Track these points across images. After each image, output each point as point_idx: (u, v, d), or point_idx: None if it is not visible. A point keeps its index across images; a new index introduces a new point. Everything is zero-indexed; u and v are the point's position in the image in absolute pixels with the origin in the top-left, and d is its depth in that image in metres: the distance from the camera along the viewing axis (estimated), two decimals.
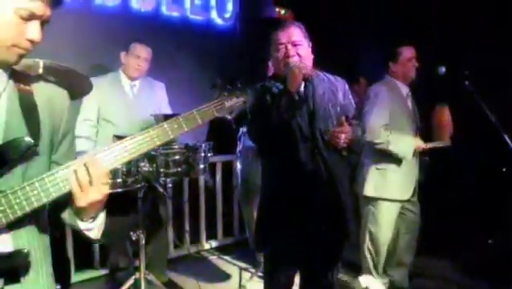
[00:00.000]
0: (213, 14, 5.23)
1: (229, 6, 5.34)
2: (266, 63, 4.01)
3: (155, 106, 3.73)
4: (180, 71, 4.26)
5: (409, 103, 3.58)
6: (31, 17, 1.25)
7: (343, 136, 2.39)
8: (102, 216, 1.39)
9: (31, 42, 1.27)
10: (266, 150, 2.56)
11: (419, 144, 3.45)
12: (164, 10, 4.78)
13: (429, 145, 3.47)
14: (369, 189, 3.54)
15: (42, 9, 1.26)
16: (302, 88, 2.46)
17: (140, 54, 3.64)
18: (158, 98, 3.82)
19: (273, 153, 2.51)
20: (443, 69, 3.33)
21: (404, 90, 3.57)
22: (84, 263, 4.11)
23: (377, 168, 3.52)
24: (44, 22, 1.30)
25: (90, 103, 3.58)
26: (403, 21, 5.18)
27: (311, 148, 2.43)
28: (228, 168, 5.00)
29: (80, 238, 1.42)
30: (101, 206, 1.35)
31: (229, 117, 1.55)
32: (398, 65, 3.53)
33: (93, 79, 3.69)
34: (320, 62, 2.67)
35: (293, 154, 2.42)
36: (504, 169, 3.14)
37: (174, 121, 1.38)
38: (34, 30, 1.26)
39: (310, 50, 2.54)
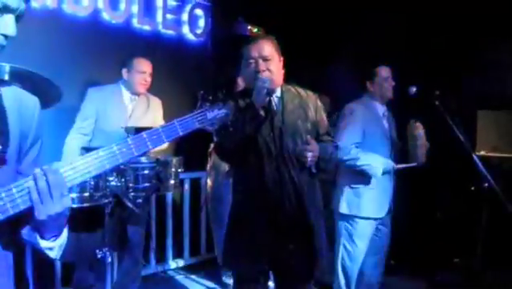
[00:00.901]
0: (185, 30, 5.19)
1: (201, 23, 5.32)
2: (234, 79, 4.00)
3: (150, 121, 3.70)
4: (153, 85, 4.18)
5: (385, 122, 3.61)
6: (6, 10, 1.19)
7: (309, 154, 2.37)
8: (64, 234, 1.30)
9: (5, 36, 1.21)
10: (233, 167, 2.55)
11: (389, 164, 3.47)
12: (135, 22, 4.70)
13: (400, 166, 3.50)
14: (343, 207, 3.54)
15: (16, 2, 1.20)
16: (273, 103, 2.43)
17: (145, 70, 3.66)
18: (154, 113, 3.80)
19: (239, 170, 2.49)
20: (413, 89, 3.38)
21: (381, 109, 3.61)
22: (45, 283, 3.92)
23: (351, 187, 3.52)
24: (19, 17, 1.24)
25: (88, 110, 3.58)
26: (374, 40, 5.27)
27: (278, 166, 2.40)
28: (196, 186, 4.93)
29: (41, 255, 1.33)
30: (63, 222, 1.26)
31: (211, 129, 1.52)
32: (375, 84, 3.57)
33: (94, 88, 3.66)
34: (291, 76, 2.66)
35: (259, 171, 2.39)
36: (472, 188, 3.18)
37: (153, 132, 1.33)
38: (8, 24, 1.20)
39: (281, 64, 2.52)
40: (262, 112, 2.36)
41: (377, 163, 3.41)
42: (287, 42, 2.65)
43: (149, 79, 3.69)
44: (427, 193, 4.97)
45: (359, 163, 3.38)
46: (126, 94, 3.70)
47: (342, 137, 3.38)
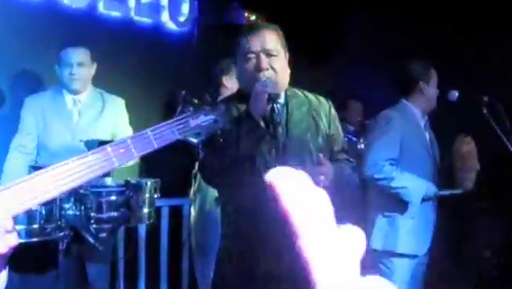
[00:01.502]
0: (165, 17, 5.22)
1: (185, 8, 5.34)
2: (218, 79, 4.02)
3: (108, 128, 3.70)
4: (121, 85, 4.19)
5: (427, 136, 3.65)
6: None
7: (321, 177, 2.36)
8: (3, 277, 1.28)
9: None
10: (223, 194, 2.54)
11: (431, 189, 3.48)
12: (101, 7, 4.73)
13: (444, 192, 3.51)
14: (377, 241, 3.55)
15: None
16: (276, 111, 2.44)
17: (71, 60, 3.63)
18: (114, 118, 3.79)
19: (230, 198, 2.47)
20: (455, 94, 3.39)
21: (422, 120, 3.65)
22: None
23: (384, 215, 3.53)
24: None
25: (27, 124, 3.61)
26: (405, 33, 5.30)
27: None
28: (177, 215, 4.92)
29: None
30: (3, 263, 1.25)
31: (195, 141, 1.52)
32: (424, 89, 3.58)
33: (30, 98, 3.67)
34: (300, 78, 2.67)
35: (255, 200, 2.34)
36: None
37: (120, 144, 1.33)
38: None
39: (287, 62, 2.54)
40: (261, 124, 2.36)
41: (416, 186, 3.42)
42: (290, 34, 2.66)
43: (79, 72, 3.64)
44: (471, 225, 4.96)
45: (393, 184, 3.39)
46: (68, 97, 3.69)
47: (374, 151, 3.42)
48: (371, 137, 3.54)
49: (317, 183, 2.35)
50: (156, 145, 1.38)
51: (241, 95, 2.49)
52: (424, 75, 3.59)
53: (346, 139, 2.84)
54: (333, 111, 2.64)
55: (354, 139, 5.12)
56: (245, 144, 2.30)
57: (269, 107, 2.40)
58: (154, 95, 4.85)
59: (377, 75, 4.71)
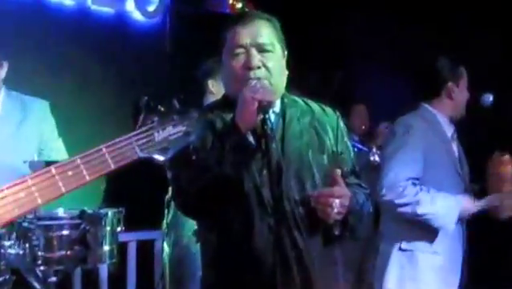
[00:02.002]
0: (129, 6, 5.19)
1: None
2: (203, 82, 3.97)
3: (32, 138, 3.66)
4: (74, 88, 4.16)
5: (455, 148, 3.61)
6: None
7: (336, 201, 2.28)
8: None
9: None
10: (203, 223, 2.51)
11: (467, 205, 3.44)
12: None
13: (480, 204, 3.44)
14: (391, 282, 3.51)
15: None
16: (269, 123, 2.33)
17: None
18: (37, 125, 3.73)
19: (212, 231, 2.42)
20: (489, 98, 3.37)
21: (449, 130, 3.61)
22: None
23: (401, 249, 3.48)
24: None
25: None
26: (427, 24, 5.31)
27: (276, 226, 2.31)
28: (146, 251, 4.89)
29: None
30: None
31: (162, 158, 1.48)
32: (454, 91, 3.54)
33: None
34: (299, 80, 2.65)
35: (244, 234, 2.31)
36: None
37: (69, 164, 1.30)
38: None
39: (284, 61, 2.49)
40: (250, 139, 2.31)
41: (449, 207, 3.38)
42: (288, 29, 2.61)
43: None
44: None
45: (420, 210, 3.33)
46: None
47: (392, 169, 3.35)
48: (387, 151, 3.48)
49: (326, 214, 2.30)
50: (112, 166, 1.35)
51: (227, 103, 2.41)
52: (454, 75, 3.55)
53: (355, 150, 2.78)
54: (341, 124, 2.56)
55: (364, 148, 5.24)
56: (230, 163, 2.24)
57: (260, 117, 2.33)
58: (113, 102, 4.78)
59: (385, 73, 4.69)
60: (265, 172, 2.33)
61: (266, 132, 2.35)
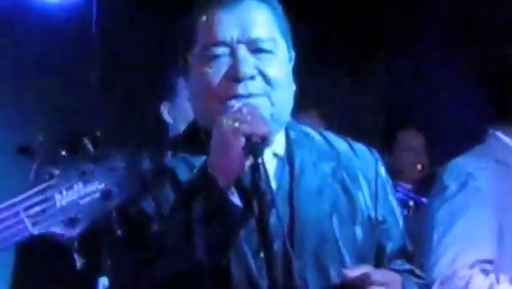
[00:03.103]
0: None
1: None
2: (153, 105, 3.17)
3: None
4: None
5: None
6: None
7: None
8: None
9: None
10: None
11: None
12: None
13: None
14: None
15: None
16: (262, 175, 1.71)
17: None
18: None
19: None
20: None
21: None
22: None
23: None
24: None
25: None
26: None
27: None
28: None
29: None
30: None
31: (67, 235, 1.17)
32: None
33: None
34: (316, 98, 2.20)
35: None
36: None
37: None
38: None
39: (290, 67, 1.90)
40: (236, 200, 1.71)
41: None
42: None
43: None
44: None
45: None
46: None
47: (448, 248, 2.69)
48: (436, 219, 2.76)
49: None
50: None
51: (196, 139, 1.87)
52: None
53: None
54: (383, 171, 2.01)
55: (421, 200, 3.96)
56: (204, 240, 1.67)
57: (250, 162, 1.72)
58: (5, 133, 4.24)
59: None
60: (262, 254, 1.73)
61: (259, 187, 1.71)
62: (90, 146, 1.16)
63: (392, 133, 4.48)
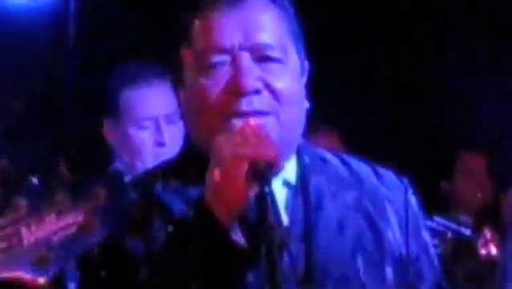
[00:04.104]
0: None
1: None
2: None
3: None
4: None
5: None
6: None
7: None
8: None
9: None
10: None
11: None
12: None
13: None
14: None
15: None
16: (270, 206, 1.53)
17: None
18: None
19: None
20: None
21: None
22: None
23: None
24: None
25: None
26: None
27: None
28: None
29: None
30: None
31: (39, 280, 1.01)
32: None
33: None
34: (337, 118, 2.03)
35: None
36: None
37: None
38: None
39: (303, 79, 1.73)
40: (239, 238, 1.54)
41: None
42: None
43: None
44: None
45: None
46: None
47: None
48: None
49: None
50: None
51: (191, 164, 1.68)
52: None
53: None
54: (414, 201, 1.83)
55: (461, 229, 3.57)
56: (201, 288, 1.49)
57: (255, 192, 1.55)
58: None
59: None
60: None
61: (267, 222, 1.52)
62: (65, 170, 1.04)
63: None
